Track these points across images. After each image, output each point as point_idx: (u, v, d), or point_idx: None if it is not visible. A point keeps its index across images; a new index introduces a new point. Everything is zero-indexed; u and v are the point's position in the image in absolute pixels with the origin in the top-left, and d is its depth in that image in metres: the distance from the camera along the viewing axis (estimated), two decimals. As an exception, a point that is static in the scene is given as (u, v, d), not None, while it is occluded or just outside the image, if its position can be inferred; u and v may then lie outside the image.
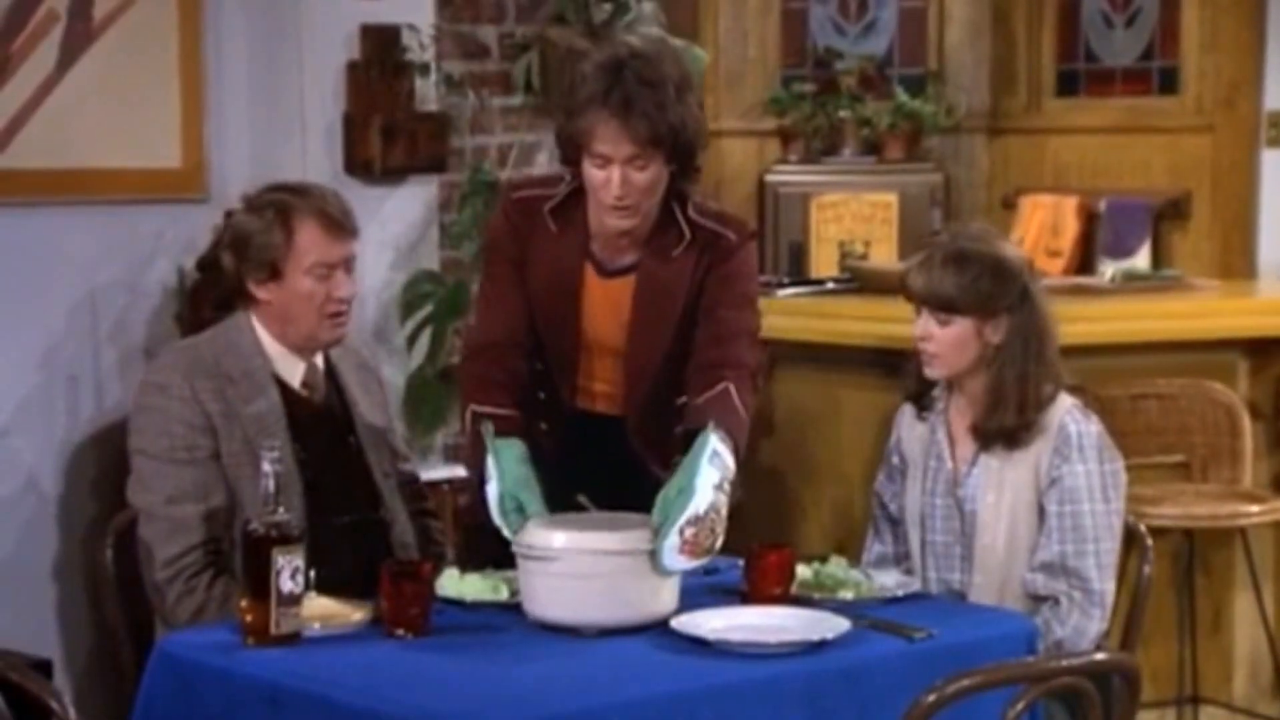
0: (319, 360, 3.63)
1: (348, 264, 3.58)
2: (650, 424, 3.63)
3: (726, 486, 3.15)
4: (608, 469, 3.51)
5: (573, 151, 3.52)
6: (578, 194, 3.58)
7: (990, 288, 3.44)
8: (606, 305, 3.62)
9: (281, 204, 3.55)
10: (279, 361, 3.56)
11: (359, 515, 3.57)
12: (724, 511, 3.13)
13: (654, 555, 3.05)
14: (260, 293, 3.55)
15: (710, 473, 3.12)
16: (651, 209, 3.55)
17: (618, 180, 3.45)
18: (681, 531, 3.05)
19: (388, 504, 3.63)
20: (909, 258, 3.62)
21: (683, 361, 3.58)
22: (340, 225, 3.56)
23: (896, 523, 3.67)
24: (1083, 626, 3.41)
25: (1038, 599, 3.44)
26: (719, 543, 3.12)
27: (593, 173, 3.48)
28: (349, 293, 3.58)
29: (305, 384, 3.60)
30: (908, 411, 3.67)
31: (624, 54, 3.50)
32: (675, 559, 3.06)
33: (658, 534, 3.06)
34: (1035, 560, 3.46)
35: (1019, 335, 3.46)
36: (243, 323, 3.57)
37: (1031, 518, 3.48)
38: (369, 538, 3.54)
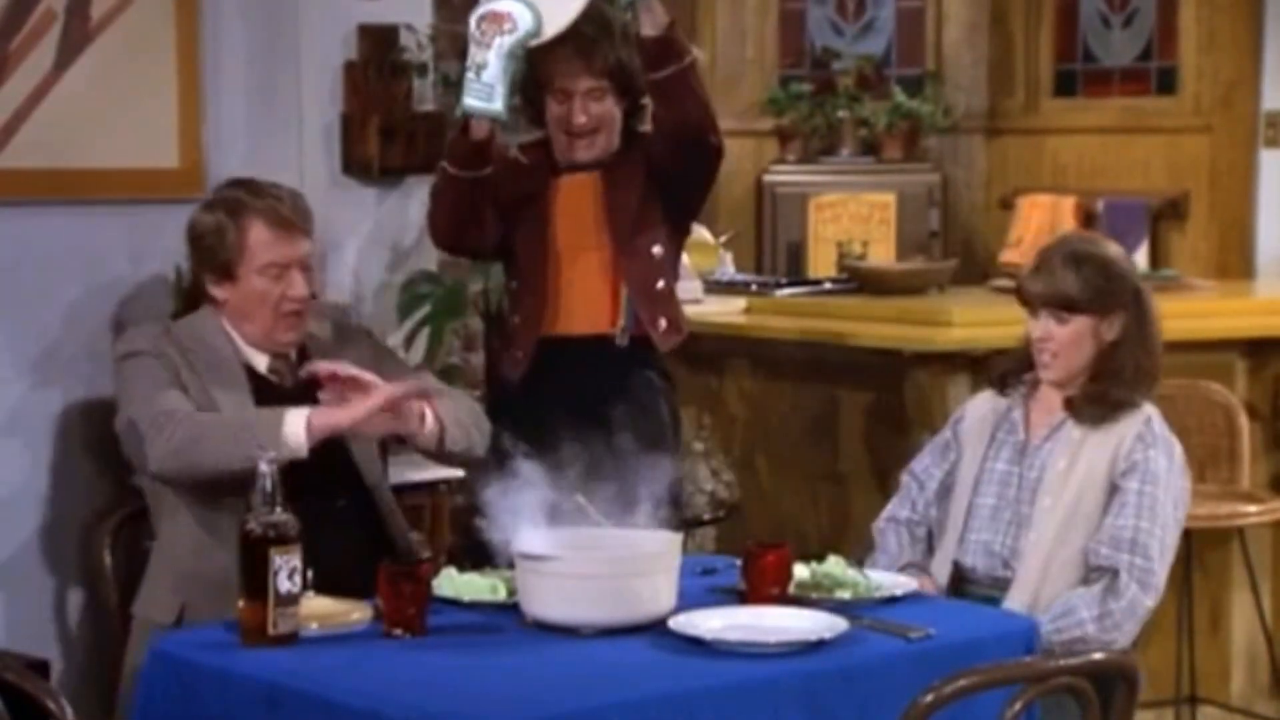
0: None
1: (302, 263, 3.60)
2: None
3: None
4: (589, 395, 3.92)
5: (536, 96, 4.03)
6: (544, 143, 4.06)
7: (1107, 285, 3.59)
8: (576, 197, 4.02)
9: (233, 202, 3.59)
10: (247, 351, 3.61)
11: (337, 499, 3.57)
12: None
13: None
14: (216, 292, 3.60)
15: None
16: (610, 142, 4.03)
17: (579, 108, 3.96)
18: None
19: (370, 483, 3.64)
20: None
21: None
22: (290, 224, 3.57)
23: (923, 493, 3.75)
24: (1138, 601, 3.47)
25: (1098, 569, 3.50)
26: None
27: (555, 109, 3.99)
28: (303, 292, 3.59)
29: (273, 370, 3.63)
30: (981, 395, 3.77)
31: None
32: None
33: None
34: (1103, 532, 3.51)
35: (1133, 331, 3.60)
36: (209, 317, 3.62)
37: (1099, 494, 3.55)
38: (350, 519, 3.57)
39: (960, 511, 3.65)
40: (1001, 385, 3.73)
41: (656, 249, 4.03)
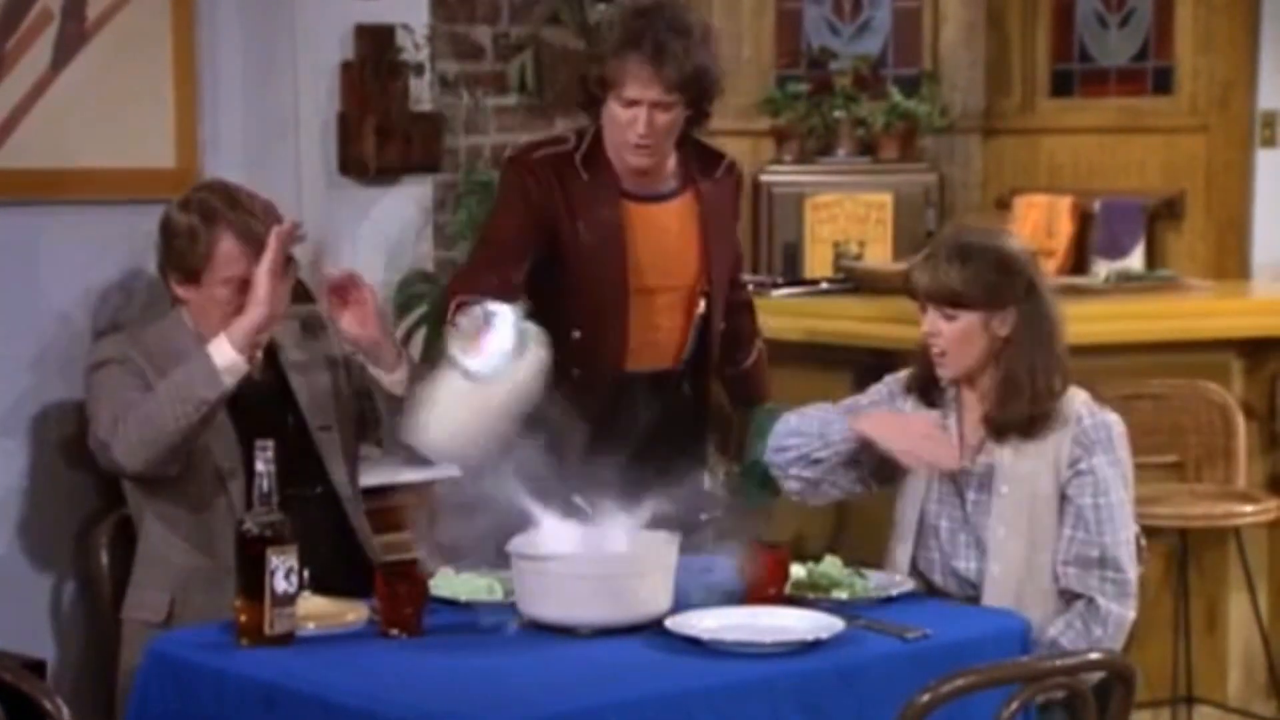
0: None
1: None
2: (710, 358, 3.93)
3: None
4: (650, 426, 3.66)
5: (599, 92, 3.72)
6: (597, 140, 3.78)
7: (995, 280, 3.45)
8: (657, 230, 3.78)
9: (209, 209, 3.62)
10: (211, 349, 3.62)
11: (301, 490, 3.59)
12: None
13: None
14: (179, 290, 3.65)
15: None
16: (668, 149, 3.77)
17: (644, 120, 3.67)
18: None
19: (335, 478, 3.67)
20: (912, 257, 3.62)
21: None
22: (260, 241, 3.57)
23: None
24: (1121, 618, 3.42)
25: (1070, 595, 3.43)
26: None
27: (619, 112, 3.69)
28: None
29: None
30: (903, 396, 3.63)
31: (651, 2, 3.72)
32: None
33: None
34: (1068, 553, 3.44)
35: (1027, 326, 3.46)
36: (177, 319, 3.67)
37: (1051, 508, 3.46)
38: (312, 511, 3.59)
39: (911, 522, 3.56)
40: (927, 399, 3.58)
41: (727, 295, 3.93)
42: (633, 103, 3.66)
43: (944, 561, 3.53)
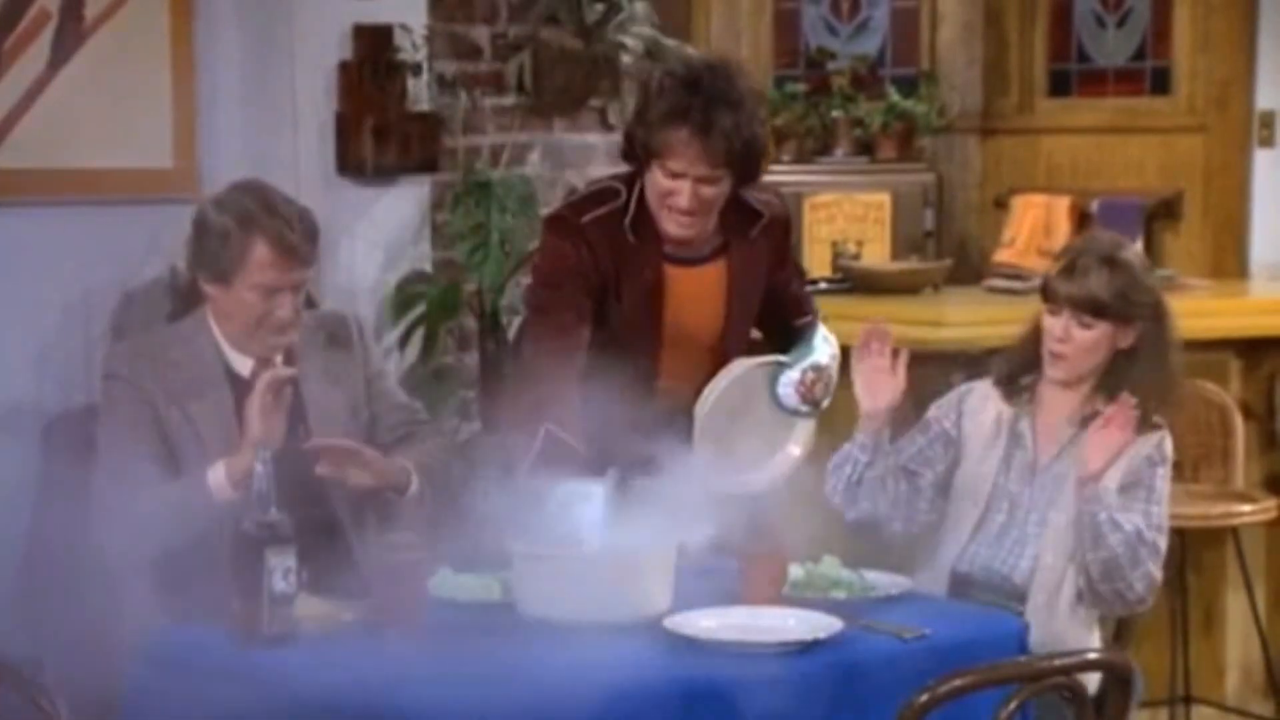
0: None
1: (295, 288, 3.60)
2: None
3: (836, 361, 3.72)
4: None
5: (643, 156, 3.60)
6: (643, 197, 3.65)
7: (1132, 293, 3.58)
8: (690, 294, 3.71)
9: (245, 214, 3.56)
10: (231, 354, 3.61)
11: (299, 511, 3.56)
12: (833, 380, 3.70)
13: (773, 386, 3.65)
14: (207, 288, 3.60)
15: (825, 346, 3.72)
16: (713, 218, 3.65)
17: (688, 194, 3.56)
18: (804, 373, 3.65)
19: (333, 500, 3.63)
20: (1054, 263, 3.69)
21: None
22: (294, 253, 3.55)
23: (914, 483, 3.68)
24: (1147, 585, 3.53)
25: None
26: (826, 402, 3.69)
27: (662, 181, 3.58)
28: (289, 315, 3.59)
29: (256, 374, 3.61)
30: (978, 391, 3.71)
31: (702, 68, 3.59)
32: (790, 395, 3.64)
33: (781, 371, 3.64)
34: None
35: (1150, 339, 3.59)
36: (199, 323, 3.63)
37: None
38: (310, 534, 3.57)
39: (968, 524, 3.62)
40: (1008, 390, 3.68)
41: (753, 333, 3.84)
42: (677, 175, 3.55)
43: (979, 552, 3.58)
